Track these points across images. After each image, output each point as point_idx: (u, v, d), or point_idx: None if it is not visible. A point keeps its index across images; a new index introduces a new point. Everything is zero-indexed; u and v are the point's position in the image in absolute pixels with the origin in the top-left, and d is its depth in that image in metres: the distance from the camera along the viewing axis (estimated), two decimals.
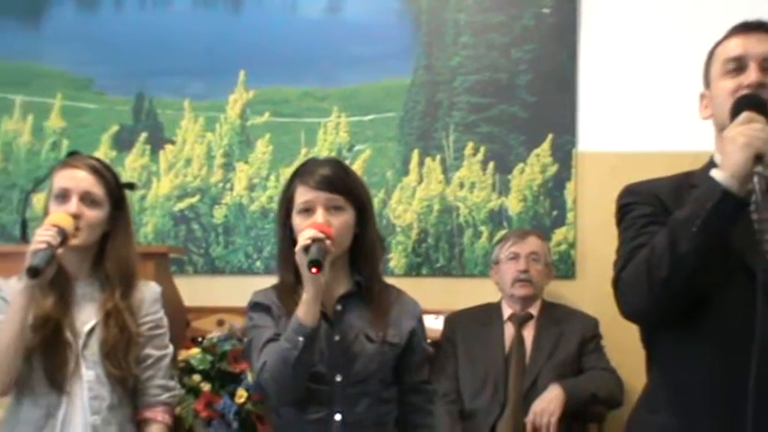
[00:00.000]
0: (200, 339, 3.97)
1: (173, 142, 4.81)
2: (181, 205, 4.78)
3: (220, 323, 4.39)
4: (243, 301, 4.26)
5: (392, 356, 2.77)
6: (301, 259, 2.60)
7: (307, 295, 2.61)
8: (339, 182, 2.75)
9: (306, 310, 2.61)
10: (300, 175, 2.79)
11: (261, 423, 3.83)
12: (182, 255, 4.66)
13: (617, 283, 2.28)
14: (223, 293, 4.60)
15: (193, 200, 4.78)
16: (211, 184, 4.78)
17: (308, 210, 2.73)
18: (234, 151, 4.79)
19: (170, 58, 4.80)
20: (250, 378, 3.80)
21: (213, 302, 4.53)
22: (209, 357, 3.90)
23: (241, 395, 3.82)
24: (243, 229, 4.76)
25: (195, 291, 4.43)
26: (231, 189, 4.77)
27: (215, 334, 4.01)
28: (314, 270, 2.56)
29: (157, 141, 4.82)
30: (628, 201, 2.39)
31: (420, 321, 2.88)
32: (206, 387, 3.84)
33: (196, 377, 3.83)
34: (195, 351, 3.89)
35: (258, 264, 4.74)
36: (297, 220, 2.74)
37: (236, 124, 4.79)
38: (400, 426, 2.83)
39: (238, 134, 4.79)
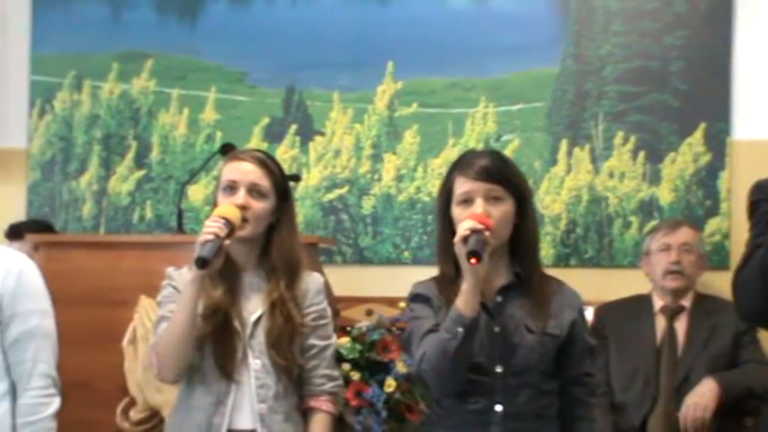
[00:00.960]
0: (349, 329, 4.02)
1: (322, 134, 4.88)
2: (330, 196, 4.85)
3: (369, 313, 4.43)
4: (391, 292, 4.36)
5: (553, 348, 2.76)
6: (460, 250, 2.61)
7: (466, 286, 2.62)
8: (498, 172, 2.75)
9: (465, 301, 2.62)
10: (459, 166, 2.80)
11: (410, 412, 3.86)
12: (331, 245, 4.73)
13: (734, 284, 2.23)
14: (371, 283, 4.66)
15: (342, 191, 4.85)
16: (360, 175, 4.84)
17: (467, 201, 2.73)
18: (382, 142, 4.84)
19: (319, 51, 4.87)
20: (399, 368, 3.83)
21: (362, 292, 4.58)
22: (358, 347, 3.94)
23: (390, 384, 3.84)
24: (391, 219, 4.80)
25: (344, 281, 4.48)
26: (379, 180, 4.82)
27: (364, 324, 4.04)
28: (473, 261, 2.57)
29: (307, 133, 4.89)
30: (756, 197, 2.34)
31: (581, 313, 2.86)
32: (355, 376, 3.88)
33: (346, 366, 3.87)
34: (345, 340, 3.93)
35: (406, 254, 4.77)
36: (456, 212, 2.74)
37: (384, 115, 4.84)
38: (561, 418, 2.82)
39: (386, 125, 4.84)
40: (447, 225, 2.76)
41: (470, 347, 2.64)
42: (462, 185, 2.75)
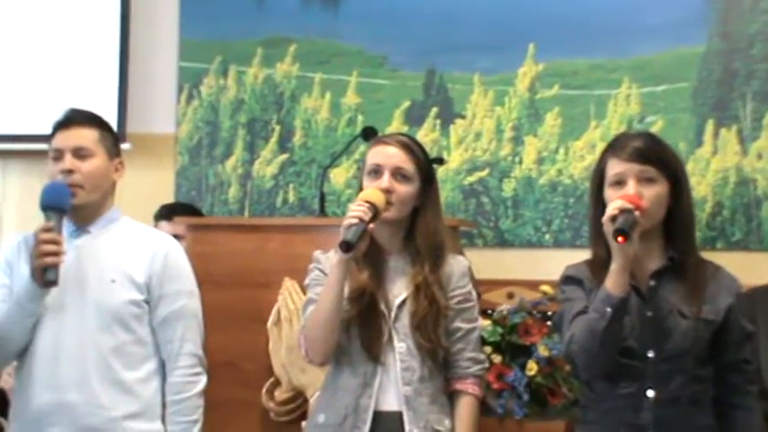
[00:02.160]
0: (490, 312, 4.01)
1: (462, 117, 4.87)
2: (471, 179, 4.84)
3: (510, 296, 4.41)
4: (532, 275, 4.34)
5: (707, 333, 2.71)
6: (608, 228, 2.60)
7: (615, 265, 2.61)
8: (652, 153, 2.73)
9: (614, 281, 2.61)
10: (613, 148, 2.79)
11: (552, 396, 3.84)
12: (472, 228, 4.73)
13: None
14: (512, 266, 4.64)
15: (483, 173, 4.83)
16: (500, 157, 4.81)
17: (619, 182, 2.73)
18: (523, 125, 4.80)
19: (460, 33, 4.85)
20: (541, 351, 3.82)
21: (503, 275, 4.55)
22: (499, 329, 3.94)
23: (531, 368, 3.83)
24: (532, 202, 4.77)
25: (485, 263, 4.46)
26: (520, 162, 4.79)
27: (505, 306, 4.03)
28: (620, 239, 2.56)
29: (448, 116, 4.89)
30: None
31: (739, 298, 2.81)
32: (497, 359, 3.88)
33: (487, 349, 3.87)
34: (486, 323, 3.94)
35: (547, 237, 4.74)
36: (608, 193, 2.74)
37: (524, 98, 4.80)
38: (718, 405, 2.77)
39: (527, 108, 4.80)
40: (600, 208, 2.75)
41: (619, 328, 2.62)
42: (615, 167, 2.74)
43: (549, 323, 3.86)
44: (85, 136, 3.05)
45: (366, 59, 4.99)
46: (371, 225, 2.78)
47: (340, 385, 2.91)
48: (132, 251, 3.06)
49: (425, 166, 2.97)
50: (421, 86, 4.92)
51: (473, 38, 4.83)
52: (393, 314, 2.88)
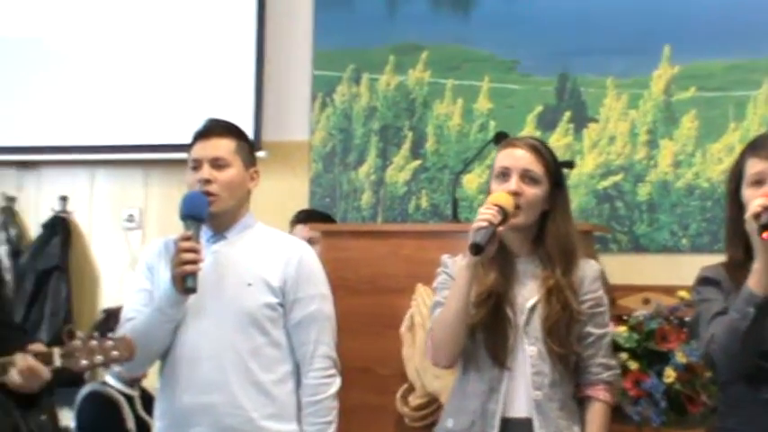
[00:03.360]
0: (626, 318, 3.96)
1: (596, 121, 4.82)
2: (604, 183, 4.78)
3: (646, 302, 4.33)
4: (668, 280, 4.26)
5: None
6: (752, 226, 2.54)
7: (758, 264, 2.55)
8: None
9: (757, 279, 2.55)
10: (752, 147, 2.74)
11: (691, 404, 3.76)
12: (606, 233, 4.67)
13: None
14: (648, 272, 4.56)
15: (617, 178, 4.77)
16: (635, 161, 4.75)
17: (759, 181, 2.66)
18: (658, 128, 4.73)
19: (592, 36, 4.81)
20: (678, 357, 3.75)
21: (638, 281, 4.48)
22: (635, 336, 3.88)
23: (669, 375, 3.76)
24: (668, 206, 4.68)
25: (620, 269, 4.40)
26: (655, 166, 4.71)
27: (641, 312, 3.97)
28: (765, 235, 2.50)
29: (581, 120, 4.85)
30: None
31: None
32: (633, 365, 3.82)
33: (623, 355, 3.82)
34: (622, 329, 3.88)
35: (684, 241, 4.65)
36: (747, 193, 2.67)
37: (659, 100, 4.72)
38: None
39: (662, 111, 4.72)
40: (737, 208, 2.69)
41: (762, 329, 2.55)
42: (754, 166, 2.68)
43: (686, 329, 3.79)
44: (223, 146, 3.12)
45: (497, 64, 4.98)
46: (500, 228, 2.77)
47: (467, 390, 2.90)
48: (267, 256, 3.12)
49: (554, 168, 2.94)
50: (553, 91, 4.89)
51: (606, 41, 4.78)
52: (523, 318, 2.86)
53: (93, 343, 2.78)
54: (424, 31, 5.09)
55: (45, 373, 2.74)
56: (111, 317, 4.28)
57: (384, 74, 5.17)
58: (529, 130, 4.86)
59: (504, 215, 2.78)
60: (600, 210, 4.78)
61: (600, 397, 2.90)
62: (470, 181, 4.93)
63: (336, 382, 3.12)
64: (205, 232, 3.09)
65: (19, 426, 3.92)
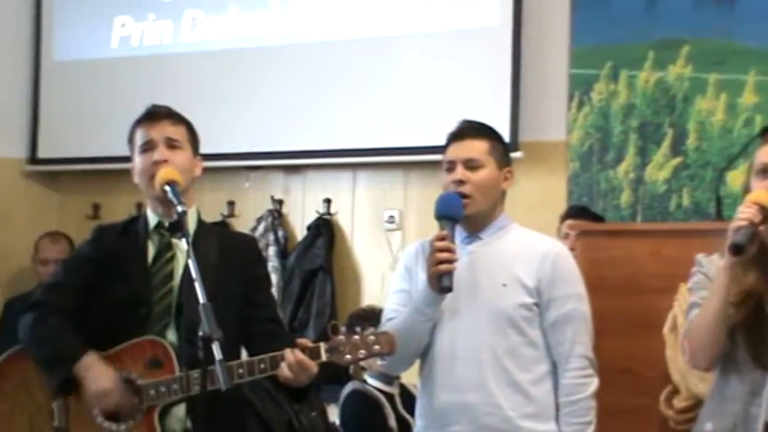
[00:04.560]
0: None
1: None
2: None
3: None
4: None
5: None
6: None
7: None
8: None
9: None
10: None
11: None
12: None
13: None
14: None
15: None
16: None
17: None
18: None
19: None
20: None
21: None
22: None
23: None
24: None
25: None
26: None
27: None
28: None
29: None
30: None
31: None
32: None
33: None
34: None
35: None
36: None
37: None
38: None
39: None
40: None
41: None
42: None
43: None
44: (476, 148, 3.15)
45: (764, 57, 4.80)
46: (761, 227, 2.67)
47: (727, 393, 2.80)
48: (522, 256, 3.12)
49: None
50: None
51: None
52: None
53: (356, 338, 2.88)
54: (686, 25, 4.96)
55: (313, 367, 2.86)
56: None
57: (643, 70, 5.07)
58: None
59: (765, 214, 2.67)
60: None
61: None
62: (735, 178, 4.74)
63: (594, 382, 3.10)
64: (459, 233, 3.13)
65: (292, 421, 4.10)
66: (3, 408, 3.05)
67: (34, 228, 5.96)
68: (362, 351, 2.88)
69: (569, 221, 4.42)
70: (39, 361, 3.01)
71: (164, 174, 2.93)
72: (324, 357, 2.88)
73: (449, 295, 3.04)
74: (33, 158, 6.29)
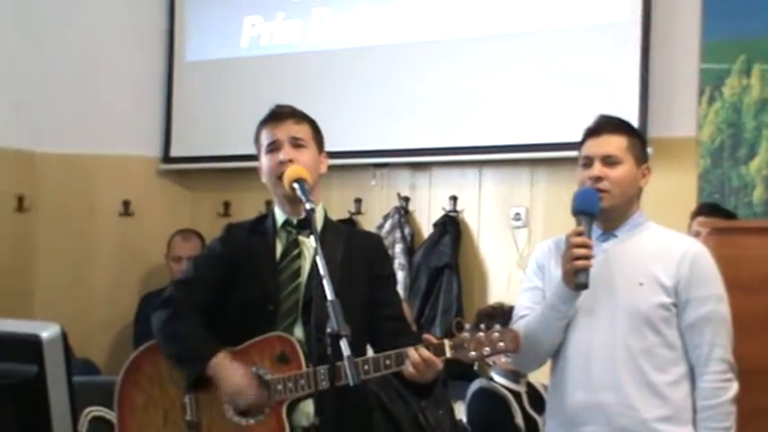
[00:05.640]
0: None
1: None
2: None
3: None
4: None
5: None
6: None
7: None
8: None
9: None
10: None
11: None
12: None
13: None
14: None
15: None
16: None
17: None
18: None
19: None
20: None
21: None
22: None
23: None
24: None
25: None
26: None
27: None
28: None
29: None
30: None
31: None
32: None
33: None
34: None
35: None
36: None
37: None
38: None
39: None
40: None
41: None
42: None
43: None
44: (614, 144, 3.12)
45: None
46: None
47: None
48: (659, 255, 3.08)
49: None
50: None
51: None
52: None
53: (481, 335, 2.88)
54: None
55: (438, 363, 2.87)
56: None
57: None
58: None
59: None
60: None
61: None
62: None
63: (734, 387, 3.04)
64: (595, 231, 3.11)
65: (418, 418, 4.12)
66: (138, 401, 3.14)
67: (167, 225, 6.11)
68: (487, 348, 2.88)
69: (700, 219, 4.34)
70: (171, 357, 3.09)
71: (292, 172, 2.98)
72: (448, 354, 2.89)
73: (584, 293, 3.02)
74: (167, 157, 6.45)
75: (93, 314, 6.13)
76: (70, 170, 6.23)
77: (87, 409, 3.98)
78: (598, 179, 3.07)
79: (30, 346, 1.78)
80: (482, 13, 5.57)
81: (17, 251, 6.08)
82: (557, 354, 3.13)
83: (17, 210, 6.09)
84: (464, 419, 4.52)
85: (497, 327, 2.92)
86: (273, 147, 3.11)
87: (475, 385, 4.48)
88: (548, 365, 3.24)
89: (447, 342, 2.90)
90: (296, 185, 2.94)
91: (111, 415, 3.40)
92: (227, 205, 6.30)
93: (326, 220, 3.19)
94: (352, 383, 2.57)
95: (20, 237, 6.10)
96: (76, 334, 4.02)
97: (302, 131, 3.13)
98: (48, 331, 1.80)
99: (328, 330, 2.58)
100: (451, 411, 4.48)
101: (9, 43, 6.02)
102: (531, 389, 4.45)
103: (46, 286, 6.15)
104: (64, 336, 1.81)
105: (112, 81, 6.31)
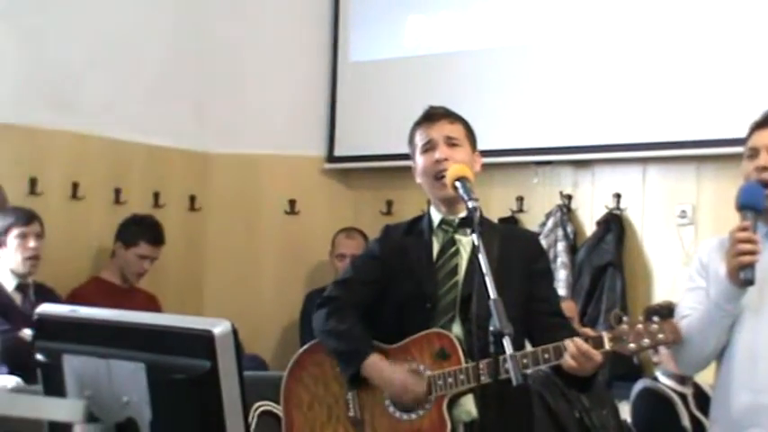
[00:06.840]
0: None
1: None
2: None
3: None
4: None
5: None
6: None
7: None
8: None
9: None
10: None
11: None
12: None
13: None
14: None
15: None
16: None
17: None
18: None
19: None
20: None
21: None
22: None
23: None
24: None
25: None
26: None
27: None
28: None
29: None
30: None
31: None
32: None
33: None
34: None
35: None
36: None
37: None
38: None
39: None
40: None
41: None
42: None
43: None
44: None
45: None
46: None
47: None
48: None
49: None
50: None
51: None
52: None
53: (640, 327, 2.85)
54: None
55: (597, 356, 2.86)
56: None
57: None
58: None
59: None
60: None
61: None
62: None
63: None
64: (760, 227, 3.02)
65: (582, 418, 4.09)
66: (303, 398, 3.23)
67: (331, 223, 6.21)
68: (646, 340, 2.85)
69: None
70: (331, 353, 3.17)
71: (454, 171, 3.00)
72: (607, 346, 2.87)
73: (750, 291, 2.95)
74: (330, 156, 6.55)
75: (261, 310, 6.28)
76: (239, 170, 6.40)
77: (257, 404, 4.10)
78: (765, 169, 2.99)
79: (203, 342, 1.83)
80: (648, 8, 5.47)
81: (189, 250, 6.27)
82: (721, 355, 3.07)
83: (190, 209, 6.29)
84: (629, 420, 4.46)
85: (656, 318, 2.88)
86: (429, 146, 3.15)
87: (639, 385, 4.42)
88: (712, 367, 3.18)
89: (606, 334, 2.88)
90: (458, 184, 2.96)
91: (278, 409, 3.49)
92: (389, 204, 6.36)
93: (482, 218, 3.21)
94: (515, 382, 2.56)
95: (191, 236, 6.29)
96: (245, 330, 4.10)
97: (456, 131, 3.16)
98: (219, 327, 1.84)
99: (491, 328, 2.58)
100: (616, 411, 4.42)
101: (190, 48, 6.22)
102: (699, 390, 4.37)
103: (215, 283, 6.33)
104: (235, 332, 1.86)
105: (280, 83, 6.46)
